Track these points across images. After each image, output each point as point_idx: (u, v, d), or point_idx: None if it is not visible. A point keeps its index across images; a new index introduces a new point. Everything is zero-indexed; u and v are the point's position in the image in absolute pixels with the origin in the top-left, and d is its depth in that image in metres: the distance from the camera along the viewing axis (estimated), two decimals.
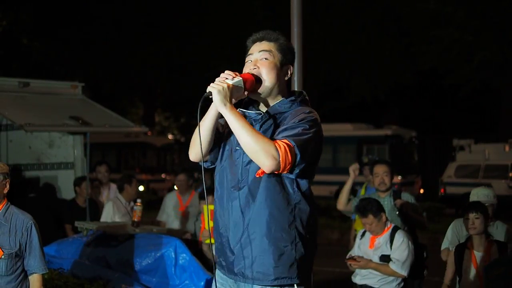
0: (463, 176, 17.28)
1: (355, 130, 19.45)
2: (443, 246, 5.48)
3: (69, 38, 23.30)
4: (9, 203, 4.16)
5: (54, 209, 7.97)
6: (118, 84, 26.39)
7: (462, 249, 4.89)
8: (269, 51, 2.98)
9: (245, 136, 2.77)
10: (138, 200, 6.74)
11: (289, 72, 3.03)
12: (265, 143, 2.75)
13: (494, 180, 16.15)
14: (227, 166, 3.02)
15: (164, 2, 22.90)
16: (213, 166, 3.12)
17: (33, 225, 4.12)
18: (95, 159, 11.77)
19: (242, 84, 2.86)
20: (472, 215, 4.80)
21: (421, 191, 19.05)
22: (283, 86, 3.02)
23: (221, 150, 3.07)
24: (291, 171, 2.81)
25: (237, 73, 2.90)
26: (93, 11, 23.22)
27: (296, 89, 3.25)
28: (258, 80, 2.93)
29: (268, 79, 2.96)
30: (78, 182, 7.83)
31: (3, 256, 4.01)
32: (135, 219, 6.53)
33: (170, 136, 28.75)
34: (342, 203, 6.42)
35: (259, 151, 2.74)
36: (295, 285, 2.90)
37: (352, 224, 8.13)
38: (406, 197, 6.09)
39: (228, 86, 2.81)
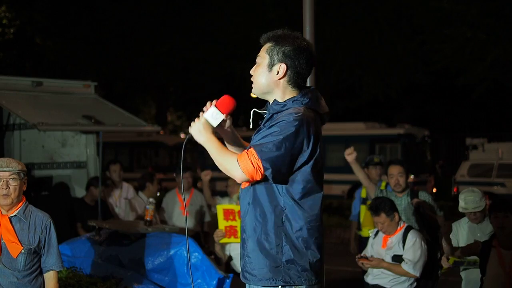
0: (476, 175, 17.17)
1: (367, 129, 19.35)
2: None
3: (82, 38, 23.40)
4: (27, 201, 4.22)
5: (67, 208, 8.00)
6: (131, 83, 26.48)
7: (488, 247, 4.77)
8: (259, 56, 3.17)
9: (215, 158, 3.01)
10: (151, 199, 6.76)
11: (280, 71, 3.09)
12: (228, 159, 2.96)
13: (508, 179, 16.06)
14: None
15: (177, 1, 22.95)
16: None
17: (51, 223, 4.21)
18: (107, 158, 11.80)
19: (217, 112, 3.07)
20: (500, 214, 4.67)
21: (434, 190, 18.95)
22: (275, 85, 3.12)
23: None
24: (265, 177, 2.93)
25: (211, 103, 3.09)
26: (106, 10, 23.31)
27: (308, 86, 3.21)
28: (232, 100, 3.11)
29: (256, 81, 3.16)
30: (93, 182, 7.83)
31: (22, 251, 4.06)
32: (148, 218, 6.55)
33: (182, 135, 28.72)
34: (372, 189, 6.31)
35: (227, 169, 2.96)
36: (279, 287, 2.99)
37: (351, 224, 8.02)
38: (424, 196, 6.06)
39: (204, 123, 3.04)
